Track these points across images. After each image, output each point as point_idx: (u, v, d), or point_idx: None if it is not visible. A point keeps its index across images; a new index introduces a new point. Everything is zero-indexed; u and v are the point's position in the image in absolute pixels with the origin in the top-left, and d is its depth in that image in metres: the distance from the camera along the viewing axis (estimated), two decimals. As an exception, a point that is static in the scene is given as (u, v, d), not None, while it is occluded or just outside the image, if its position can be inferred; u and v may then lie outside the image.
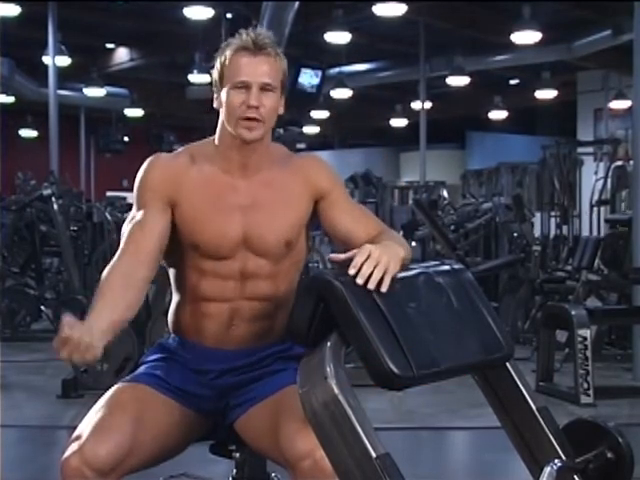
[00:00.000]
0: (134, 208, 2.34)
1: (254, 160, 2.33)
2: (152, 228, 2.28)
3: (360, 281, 1.97)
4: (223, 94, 2.30)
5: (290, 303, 2.06)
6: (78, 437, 2.16)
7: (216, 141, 2.36)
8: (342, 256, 2.06)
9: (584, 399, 5.89)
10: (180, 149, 2.40)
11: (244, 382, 2.34)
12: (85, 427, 2.18)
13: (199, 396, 2.34)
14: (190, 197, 2.30)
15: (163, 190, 2.30)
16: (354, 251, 2.05)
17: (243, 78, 2.26)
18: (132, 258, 2.24)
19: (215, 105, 2.35)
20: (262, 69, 2.27)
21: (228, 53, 2.30)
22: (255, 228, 2.30)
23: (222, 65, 2.31)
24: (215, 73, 2.34)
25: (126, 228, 2.31)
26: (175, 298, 2.43)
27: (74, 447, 2.13)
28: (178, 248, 2.33)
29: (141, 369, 2.42)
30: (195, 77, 15.35)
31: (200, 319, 2.35)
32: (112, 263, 2.26)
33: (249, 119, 2.26)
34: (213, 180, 2.31)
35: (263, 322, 2.35)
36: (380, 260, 2.01)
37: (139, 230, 2.27)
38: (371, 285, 1.98)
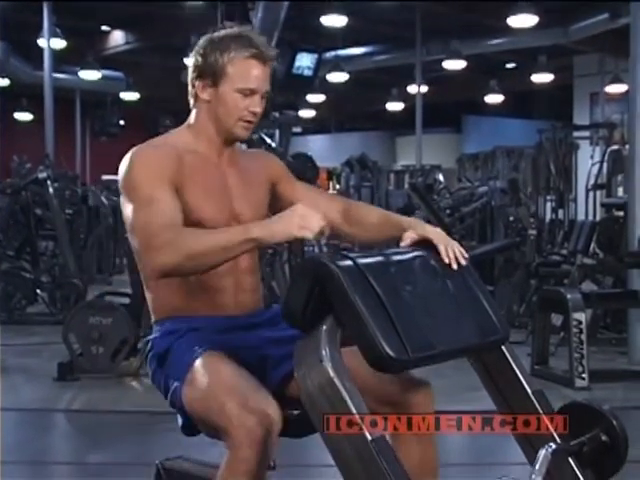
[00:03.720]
0: (132, 190, 2.31)
1: (234, 151, 2.54)
2: (177, 209, 2.29)
3: (455, 265, 2.26)
4: (223, 93, 2.39)
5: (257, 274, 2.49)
6: (241, 403, 2.14)
7: (193, 132, 2.47)
8: (408, 242, 2.36)
9: (579, 382, 5.91)
10: (153, 142, 2.44)
11: (275, 337, 2.41)
12: (238, 393, 2.17)
13: (241, 347, 2.38)
14: (189, 181, 2.37)
15: (168, 175, 2.32)
16: (414, 236, 2.38)
17: (253, 86, 2.40)
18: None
19: (203, 96, 2.42)
20: (267, 79, 2.44)
21: (234, 55, 2.37)
22: (243, 206, 2.48)
23: (224, 63, 2.37)
24: (208, 66, 2.39)
25: (141, 216, 2.27)
26: (168, 283, 2.41)
27: (247, 415, 2.11)
28: None
29: (182, 346, 2.38)
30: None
31: (213, 294, 2.43)
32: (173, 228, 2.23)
33: (249, 122, 2.43)
34: (205, 166, 2.43)
35: (255, 291, 2.55)
36: (447, 238, 2.34)
37: (168, 211, 2.26)
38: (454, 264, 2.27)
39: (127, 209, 2.31)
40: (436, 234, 2.35)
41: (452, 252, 2.28)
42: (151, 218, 2.23)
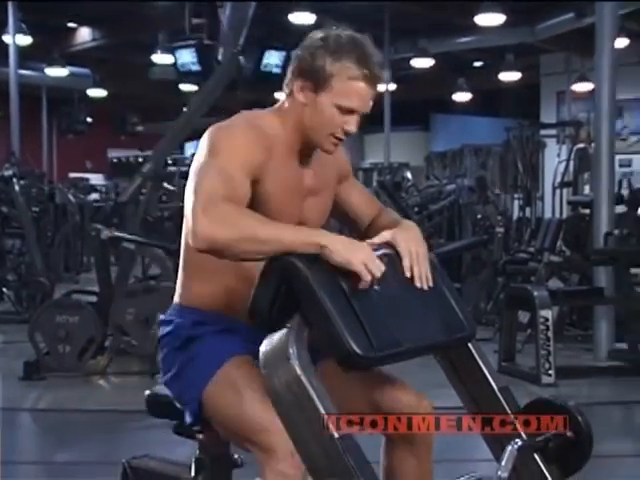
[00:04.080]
0: (211, 155, 2.18)
1: (313, 155, 2.39)
2: (246, 195, 2.20)
3: (418, 284, 2.16)
4: (322, 104, 2.24)
5: None
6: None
7: (283, 124, 2.31)
8: (377, 240, 2.21)
9: (545, 379, 5.95)
10: (251, 121, 2.29)
11: None
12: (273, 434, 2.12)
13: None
14: (273, 173, 2.27)
15: (253, 165, 2.21)
16: (387, 236, 2.21)
17: (355, 106, 2.25)
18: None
19: (300, 97, 2.27)
20: (370, 100, 2.29)
21: (344, 70, 2.20)
22: (312, 212, 2.41)
23: (331, 74, 2.21)
24: (314, 69, 2.22)
25: (201, 177, 2.15)
26: (214, 273, 2.33)
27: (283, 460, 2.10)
28: None
29: (216, 342, 2.32)
30: (159, 57, 15.20)
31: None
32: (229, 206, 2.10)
33: (339, 139, 2.30)
34: (286, 164, 2.31)
35: None
36: (418, 253, 2.18)
37: (237, 189, 2.16)
38: (420, 283, 2.16)
39: (197, 168, 2.17)
40: (404, 245, 2.19)
41: (416, 271, 2.17)
42: (217, 186, 2.11)
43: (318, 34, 2.26)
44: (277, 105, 2.37)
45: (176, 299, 2.45)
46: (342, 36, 2.24)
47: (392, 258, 2.18)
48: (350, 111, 2.25)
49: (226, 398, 2.23)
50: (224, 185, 2.12)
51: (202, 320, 2.35)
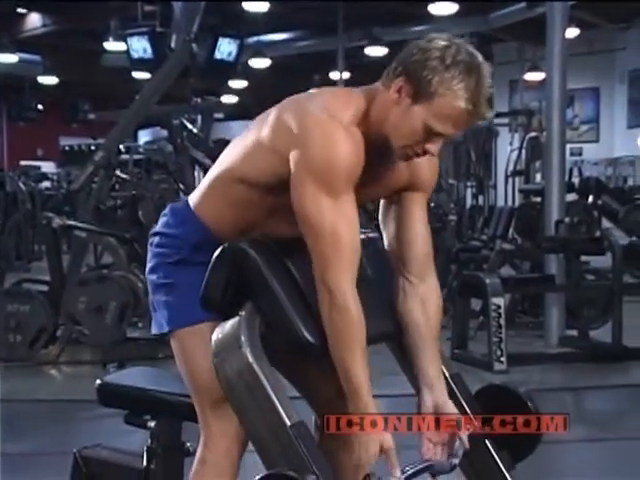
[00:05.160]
0: (323, 190, 2.02)
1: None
2: (355, 222, 2.08)
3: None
4: (414, 114, 2.05)
5: None
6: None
7: (366, 118, 2.12)
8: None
9: (497, 366, 6.00)
10: (344, 121, 2.07)
11: None
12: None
13: None
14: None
15: (356, 175, 2.07)
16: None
17: (447, 134, 2.08)
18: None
19: (394, 95, 2.08)
20: (462, 130, 2.17)
21: (450, 94, 2.01)
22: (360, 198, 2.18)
23: (435, 92, 2.02)
24: (421, 78, 2.03)
25: (326, 218, 2.02)
26: (243, 210, 2.19)
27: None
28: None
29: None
30: (111, 45, 15.04)
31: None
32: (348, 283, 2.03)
33: (411, 157, 2.13)
34: (366, 170, 2.11)
35: None
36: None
37: (352, 229, 2.06)
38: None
39: (309, 193, 2.03)
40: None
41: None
42: (346, 240, 2.03)
43: (440, 41, 2.06)
44: (369, 89, 2.19)
45: (190, 201, 2.30)
46: (461, 52, 2.05)
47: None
48: (439, 134, 2.07)
49: (194, 351, 2.21)
50: (349, 237, 2.03)
51: (204, 243, 2.21)
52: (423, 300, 2.23)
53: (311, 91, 2.24)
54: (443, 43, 2.05)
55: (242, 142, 2.21)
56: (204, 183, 2.29)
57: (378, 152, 2.12)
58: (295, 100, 2.20)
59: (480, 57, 2.08)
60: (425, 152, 2.10)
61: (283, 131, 2.09)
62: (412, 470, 2.07)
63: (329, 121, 2.05)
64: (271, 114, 2.17)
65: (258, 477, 1.85)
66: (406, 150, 2.10)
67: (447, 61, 2.02)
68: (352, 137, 2.06)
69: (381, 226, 2.30)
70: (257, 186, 2.15)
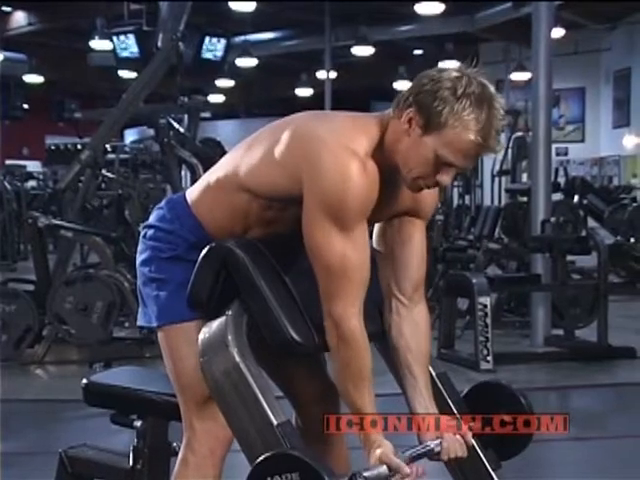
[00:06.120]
0: (334, 224, 2.01)
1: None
2: (366, 253, 2.09)
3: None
4: (425, 146, 2.02)
5: None
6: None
7: (377, 151, 2.08)
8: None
9: (484, 365, 6.02)
10: (361, 156, 2.03)
11: None
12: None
13: None
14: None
15: (367, 211, 2.06)
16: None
17: (458, 165, 2.05)
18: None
19: (405, 126, 2.05)
20: (474, 161, 2.13)
21: (461, 127, 1.99)
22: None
23: (446, 124, 1.99)
24: (431, 109, 2.00)
25: (334, 252, 2.01)
26: (241, 214, 2.17)
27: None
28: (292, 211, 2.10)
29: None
30: (97, 43, 14.99)
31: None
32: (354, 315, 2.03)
33: (422, 188, 2.11)
34: (378, 197, 2.10)
35: None
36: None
37: (362, 261, 2.06)
38: None
39: (319, 224, 2.01)
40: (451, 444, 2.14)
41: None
42: (345, 270, 2.01)
43: (452, 71, 2.05)
44: (382, 117, 2.14)
45: (188, 197, 2.27)
46: (473, 84, 2.03)
47: None
48: (450, 165, 2.05)
49: (180, 349, 2.20)
50: (349, 260, 2.02)
51: (199, 241, 2.17)
52: (415, 322, 2.22)
53: (327, 112, 2.21)
54: (455, 74, 2.03)
55: (251, 150, 2.17)
56: (205, 181, 2.26)
57: (388, 180, 2.10)
58: (311, 119, 2.17)
59: (492, 88, 2.08)
60: (437, 184, 2.08)
61: (296, 152, 2.06)
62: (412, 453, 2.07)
63: (344, 152, 2.01)
64: (286, 130, 2.11)
65: (262, 457, 1.84)
66: (416, 182, 2.08)
67: (458, 92, 2.00)
68: (367, 171, 2.02)
69: (375, 245, 2.27)
70: (260, 197, 2.13)
